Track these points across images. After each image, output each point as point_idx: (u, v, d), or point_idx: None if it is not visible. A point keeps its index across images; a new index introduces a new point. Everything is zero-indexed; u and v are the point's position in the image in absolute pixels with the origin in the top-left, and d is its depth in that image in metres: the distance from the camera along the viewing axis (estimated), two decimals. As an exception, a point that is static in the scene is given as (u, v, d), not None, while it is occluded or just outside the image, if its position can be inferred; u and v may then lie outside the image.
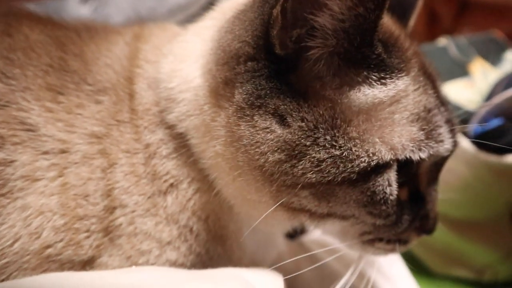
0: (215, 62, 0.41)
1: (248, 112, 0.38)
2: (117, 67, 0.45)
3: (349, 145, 0.36)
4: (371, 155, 0.36)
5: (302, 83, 0.37)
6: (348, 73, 0.37)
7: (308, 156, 0.36)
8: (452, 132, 0.41)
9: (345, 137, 0.37)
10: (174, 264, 0.43)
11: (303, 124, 0.37)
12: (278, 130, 0.37)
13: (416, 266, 0.53)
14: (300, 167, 0.37)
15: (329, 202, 0.38)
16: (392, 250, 0.43)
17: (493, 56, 0.88)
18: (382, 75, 0.37)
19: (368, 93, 0.37)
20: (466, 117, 0.73)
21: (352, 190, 0.37)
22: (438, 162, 0.42)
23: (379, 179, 0.37)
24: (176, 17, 0.91)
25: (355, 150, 0.36)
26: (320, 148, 0.36)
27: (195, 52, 0.43)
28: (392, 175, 0.38)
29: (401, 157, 0.37)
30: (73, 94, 0.42)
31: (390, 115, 0.37)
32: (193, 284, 0.36)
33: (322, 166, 0.36)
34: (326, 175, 0.36)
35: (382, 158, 0.37)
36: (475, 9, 0.85)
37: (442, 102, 0.41)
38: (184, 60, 0.44)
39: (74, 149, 0.41)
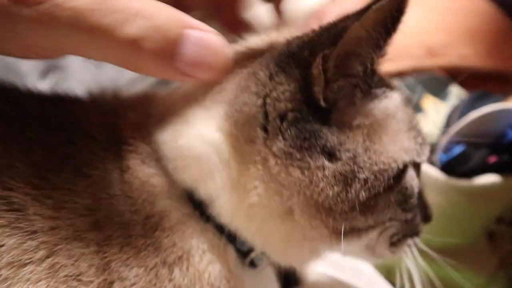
0: (234, 123, 0.40)
1: (298, 156, 0.39)
2: (103, 143, 0.42)
3: (381, 159, 0.41)
4: (398, 160, 0.42)
5: (339, 117, 0.41)
6: (365, 98, 0.42)
7: (357, 179, 0.40)
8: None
9: (377, 153, 0.41)
10: None
11: (349, 154, 0.40)
12: (330, 165, 0.39)
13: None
14: (352, 191, 0.40)
15: (374, 213, 0.42)
16: (410, 244, 0.49)
17: (439, 91, 0.93)
18: (384, 91, 0.43)
19: (380, 107, 0.42)
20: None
21: (391, 194, 0.42)
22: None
23: (407, 178, 0.43)
24: (136, 87, 0.91)
25: (387, 161, 0.41)
26: (364, 169, 0.40)
27: (198, 116, 0.42)
28: (412, 172, 0.44)
29: (412, 158, 0.43)
30: (60, 170, 0.39)
31: (397, 125, 0.43)
32: None
33: (368, 184, 0.40)
34: (372, 190, 0.40)
35: (404, 160, 0.42)
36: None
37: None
38: (186, 122, 0.42)
39: (65, 223, 0.37)
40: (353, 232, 0.42)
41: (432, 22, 0.99)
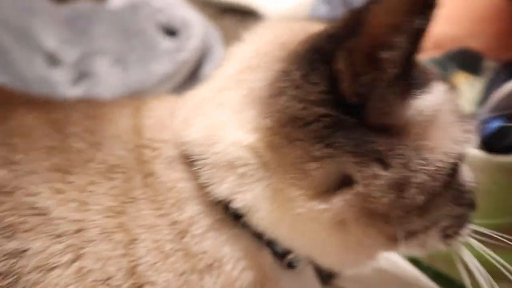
0: (276, 122, 0.37)
1: (352, 164, 0.37)
2: (125, 144, 0.42)
3: (435, 156, 0.38)
4: (451, 154, 0.38)
5: (380, 120, 0.37)
6: (405, 96, 0.38)
7: (412, 184, 0.36)
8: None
9: (430, 151, 0.37)
10: None
11: (400, 160, 0.36)
12: (383, 172, 0.36)
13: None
14: (408, 196, 0.36)
15: (430, 212, 0.39)
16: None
17: (472, 67, 0.87)
18: (426, 84, 0.39)
19: (425, 103, 0.38)
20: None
21: (448, 191, 0.39)
22: None
23: (462, 173, 0.41)
24: (164, 87, 0.90)
25: (441, 158, 0.38)
26: (418, 173, 0.37)
27: (230, 119, 0.40)
28: (465, 166, 0.42)
29: (463, 150, 0.40)
30: (82, 172, 0.38)
31: (445, 118, 0.39)
32: None
33: (425, 186, 0.37)
34: (430, 191, 0.37)
35: (457, 153, 0.39)
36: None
37: None
38: (220, 128, 0.39)
39: (91, 225, 0.36)
40: (410, 235, 0.39)
41: (441, 10, 0.94)
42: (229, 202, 0.39)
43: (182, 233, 0.38)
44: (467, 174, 0.43)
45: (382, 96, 0.36)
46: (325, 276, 0.52)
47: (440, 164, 0.38)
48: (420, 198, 0.37)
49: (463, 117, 0.42)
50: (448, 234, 0.43)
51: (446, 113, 0.40)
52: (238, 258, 0.39)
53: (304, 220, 0.38)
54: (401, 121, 0.37)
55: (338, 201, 0.37)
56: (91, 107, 0.45)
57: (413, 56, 0.37)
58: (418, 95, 0.38)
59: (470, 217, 0.46)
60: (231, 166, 0.38)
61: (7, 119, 0.41)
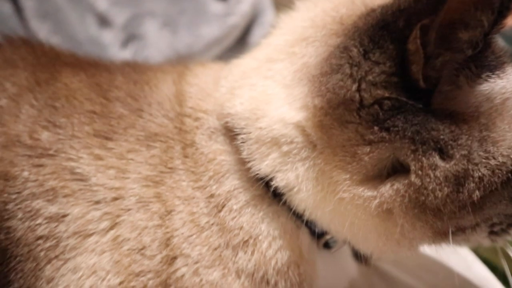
0: (327, 102, 0.35)
1: (409, 152, 0.34)
2: (167, 112, 0.40)
3: (500, 150, 0.34)
4: None
5: (444, 104, 0.34)
6: (476, 79, 0.34)
7: (471, 178, 0.33)
8: None
9: (494, 145, 0.34)
10: None
11: (463, 151, 0.33)
12: (442, 164, 0.33)
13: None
14: (465, 191, 0.34)
15: (483, 210, 0.35)
16: None
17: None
18: (498, 68, 0.35)
19: (496, 90, 0.34)
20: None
21: (506, 189, 0.35)
22: None
23: None
24: (212, 51, 0.88)
25: (506, 152, 0.34)
26: (480, 166, 0.33)
27: (278, 94, 0.37)
28: None
29: None
30: (122, 139, 0.38)
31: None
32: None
33: (484, 181, 0.34)
34: (488, 187, 0.34)
35: None
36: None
37: None
38: (267, 102, 0.37)
39: (128, 194, 0.36)
40: (459, 231, 0.37)
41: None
42: (270, 179, 0.37)
43: (219, 207, 0.37)
44: None
45: (453, 79, 0.33)
46: (362, 255, 0.50)
47: (503, 159, 0.34)
48: (477, 194, 0.34)
49: None
50: (496, 232, 0.40)
51: None
52: (275, 236, 0.38)
53: (347, 205, 0.36)
54: (469, 108, 0.34)
55: (387, 190, 0.34)
56: (135, 71, 0.44)
57: (492, 36, 0.33)
58: (489, 79, 0.34)
59: None
60: (275, 142, 0.36)
61: (52, 81, 0.41)
